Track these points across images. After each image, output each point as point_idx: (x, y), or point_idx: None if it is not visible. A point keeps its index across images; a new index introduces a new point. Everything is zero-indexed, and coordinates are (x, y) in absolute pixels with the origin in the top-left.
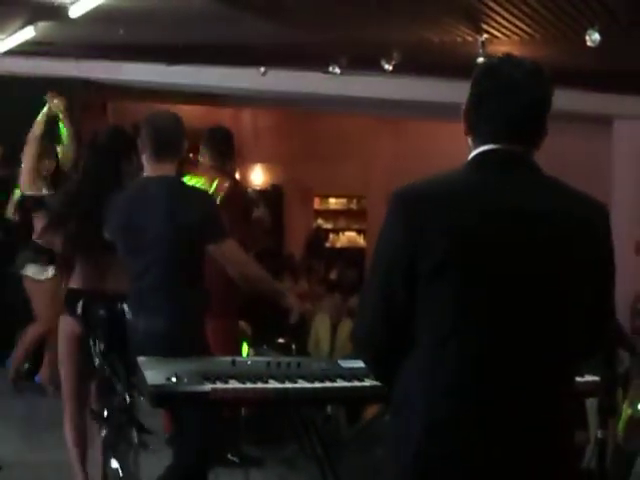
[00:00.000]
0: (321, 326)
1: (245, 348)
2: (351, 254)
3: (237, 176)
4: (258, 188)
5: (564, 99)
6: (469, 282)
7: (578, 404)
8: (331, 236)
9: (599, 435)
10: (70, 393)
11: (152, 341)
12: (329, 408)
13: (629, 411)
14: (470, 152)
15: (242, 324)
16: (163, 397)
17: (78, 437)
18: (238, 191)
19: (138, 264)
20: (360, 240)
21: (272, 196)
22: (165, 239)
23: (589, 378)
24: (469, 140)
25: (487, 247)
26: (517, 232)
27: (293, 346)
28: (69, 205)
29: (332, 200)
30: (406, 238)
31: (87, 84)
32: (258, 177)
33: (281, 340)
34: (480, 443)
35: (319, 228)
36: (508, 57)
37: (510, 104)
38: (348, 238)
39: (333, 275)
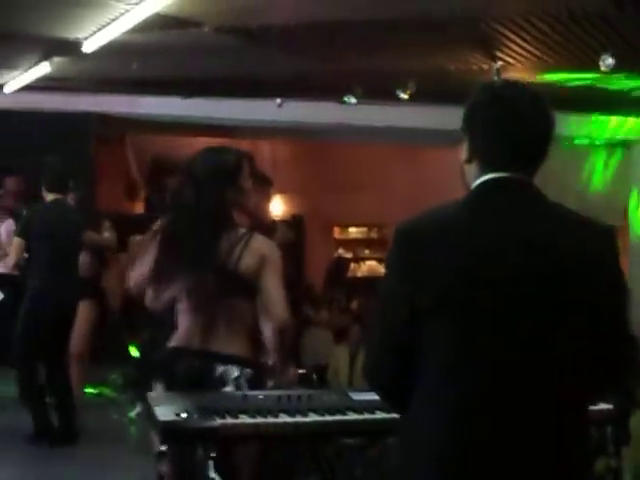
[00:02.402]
0: (340, 356)
1: None
2: (372, 283)
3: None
4: (278, 219)
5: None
6: (469, 317)
7: (599, 431)
8: (352, 265)
9: (613, 464)
10: None
11: None
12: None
13: None
14: (471, 180)
15: None
16: (173, 433)
17: None
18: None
19: None
20: (381, 269)
21: (292, 226)
22: None
23: (603, 406)
24: (472, 167)
25: (487, 281)
26: (520, 263)
27: (314, 377)
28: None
29: (352, 229)
30: (407, 273)
31: (103, 118)
32: (278, 208)
33: (301, 371)
34: (491, 477)
35: (340, 257)
36: (510, 83)
37: (515, 132)
38: (369, 267)
39: (354, 305)
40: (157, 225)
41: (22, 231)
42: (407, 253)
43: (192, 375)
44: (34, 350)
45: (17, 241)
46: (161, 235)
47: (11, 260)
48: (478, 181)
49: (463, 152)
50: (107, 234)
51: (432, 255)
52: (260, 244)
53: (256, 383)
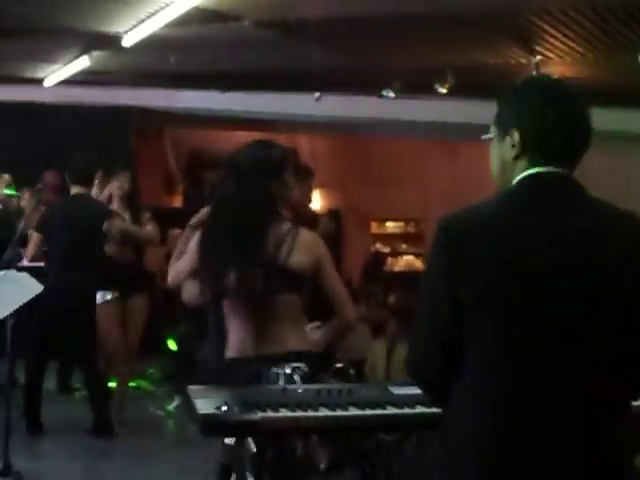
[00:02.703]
0: (377, 351)
1: None
2: (409, 278)
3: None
4: (317, 212)
5: (619, 118)
6: (507, 311)
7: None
8: (389, 260)
9: None
10: None
11: None
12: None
13: None
14: (516, 176)
15: None
16: (213, 426)
17: None
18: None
19: None
20: (418, 264)
21: (332, 219)
22: None
23: None
24: (518, 163)
25: (523, 276)
26: (554, 257)
27: (351, 371)
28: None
29: (390, 224)
30: (449, 268)
31: (142, 112)
32: (316, 202)
33: (339, 365)
34: (530, 471)
35: (378, 252)
36: (550, 79)
37: (568, 127)
38: (406, 262)
39: (391, 300)
40: (195, 219)
41: (40, 226)
42: (449, 248)
43: (251, 384)
44: (44, 343)
45: (35, 236)
46: (203, 229)
47: (28, 254)
48: (519, 176)
49: (506, 147)
50: (149, 227)
51: (474, 249)
52: (309, 239)
53: (310, 376)
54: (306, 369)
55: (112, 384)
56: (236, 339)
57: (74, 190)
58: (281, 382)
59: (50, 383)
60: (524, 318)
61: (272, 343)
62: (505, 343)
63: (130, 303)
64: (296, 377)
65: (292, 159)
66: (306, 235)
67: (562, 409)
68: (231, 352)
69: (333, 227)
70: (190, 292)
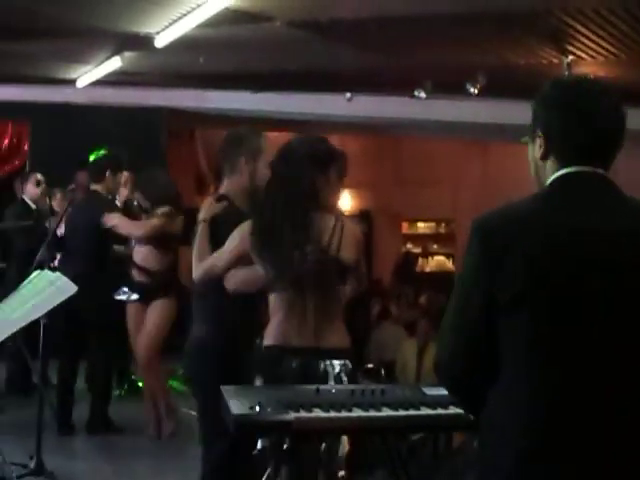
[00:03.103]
0: (408, 351)
1: None
2: (440, 278)
3: None
4: (347, 214)
5: None
6: (550, 312)
7: None
8: (420, 260)
9: None
10: None
11: None
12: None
13: None
14: (548, 176)
15: None
16: (246, 426)
17: None
18: None
19: None
20: (449, 264)
21: (361, 221)
22: None
23: None
24: (547, 163)
25: (565, 274)
26: (601, 257)
27: (382, 371)
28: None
29: (420, 224)
30: (484, 268)
31: (174, 112)
32: (346, 202)
33: (369, 366)
34: (571, 474)
35: (409, 252)
36: (581, 78)
37: (591, 125)
38: (437, 262)
39: (422, 300)
40: (205, 213)
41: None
42: (484, 247)
43: (296, 375)
44: (75, 344)
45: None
46: (257, 219)
47: None
48: (554, 176)
49: (536, 148)
50: (155, 220)
51: (508, 249)
52: (356, 232)
53: (353, 374)
54: (350, 366)
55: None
56: (281, 326)
57: (91, 187)
58: (330, 379)
59: (80, 382)
60: (560, 316)
61: (319, 335)
62: (543, 342)
63: (151, 306)
64: (343, 375)
65: (340, 160)
66: (352, 228)
67: (610, 409)
68: (272, 340)
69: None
70: (240, 280)
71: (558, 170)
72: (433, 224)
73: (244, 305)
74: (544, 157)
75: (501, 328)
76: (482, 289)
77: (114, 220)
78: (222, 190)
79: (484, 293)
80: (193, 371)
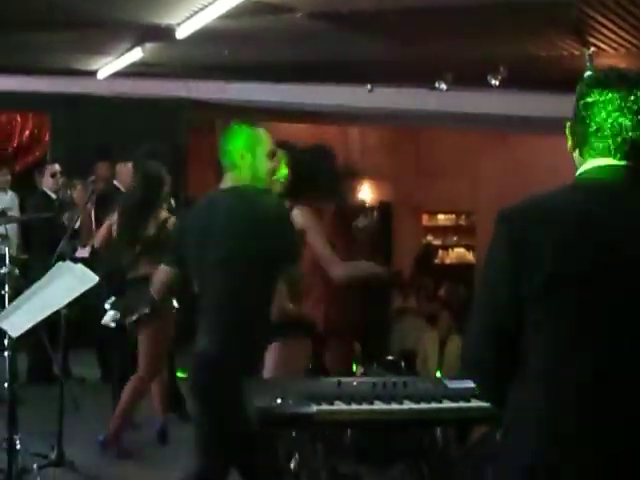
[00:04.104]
0: (429, 343)
1: (354, 367)
2: (460, 270)
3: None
4: (368, 205)
5: None
6: (581, 300)
7: None
8: (440, 252)
9: None
10: None
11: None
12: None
13: None
14: (577, 168)
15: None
16: (269, 419)
17: None
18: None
19: None
20: (469, 256)
21: (381, 213)
22: None
23: None
24: (575, 156)
25: (594, 263)
26: (632, 247)
27: (402, 364)
28: None
29: (441, 216)
30: (511, 258)
31: (194, 104)
32: (366, 194)
33: (390, 358)
34: (596, 464)
35: (429, 244)
36: (614, 70)
37: (621, 118)
38: (457, 254)
39: (442, 292)
40: None
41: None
42: (511, 238)
43: None
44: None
45: None
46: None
47: None
48: (582, 168)
49: (569, 141)
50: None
51: (537, 239)
52: None
53: None
54: None
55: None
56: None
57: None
58: None
59: (96, 373)
60: (590, 304)
61: None
62: (583, 329)
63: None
64: None
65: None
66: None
67: (633, 392)
68: None
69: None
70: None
71: (585, 162)
72: (453, 216)
73: (261, 322)
74: (573, 149)
75: (529, 317)
76: (509, 280)
77: None
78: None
79: (511, 283)
80: (202, 387)
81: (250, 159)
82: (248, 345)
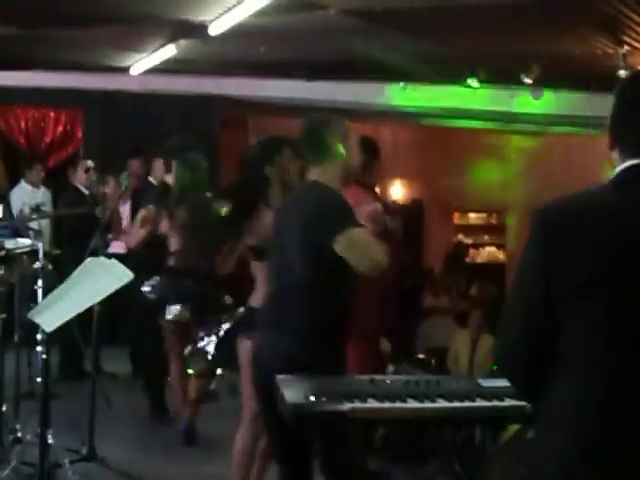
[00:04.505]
0: (460, 342)
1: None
2: (491, 269)
3: (377, 190)
4: (399, 203)
5: None
6: (619, 299)
7: None
8: (471, 251)
9: None
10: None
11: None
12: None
13: None
14: (616, 167)
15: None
16: (302, 416)
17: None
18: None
19: None
20: (500, 255)
21: (412, 211)
22: None
23: None
24: (614, 154)
25: (631, 263)
26: None
27: (432, 362)
28: None
29: (472, 215)
30: (547, 256)
31: (227, 101)
32: (398, 192)
33: (420, 356)
34: (634, 464)
35: (460, 243)
36: None
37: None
38: (488, 253)
39: (473, 291)
40: None
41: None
42: (548, 235)
43: None
44: None
45: None
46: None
47: None
48: (619, 168)
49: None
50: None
51: (574, 238)
52: None
53: None
54: None
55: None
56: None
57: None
58: None
59: (127, 369)
60: (625, 305)
61: None
62: (619, 329)
63: None
64: None
65: None
66: None
67: None
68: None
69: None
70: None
71: (623, 161)
72: (484, 215)
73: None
74: (611, 147)
75: (566, 317)
76: (544, 280)
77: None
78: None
79: (546, 284)
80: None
81: (343, 151)
82: (337, 347)
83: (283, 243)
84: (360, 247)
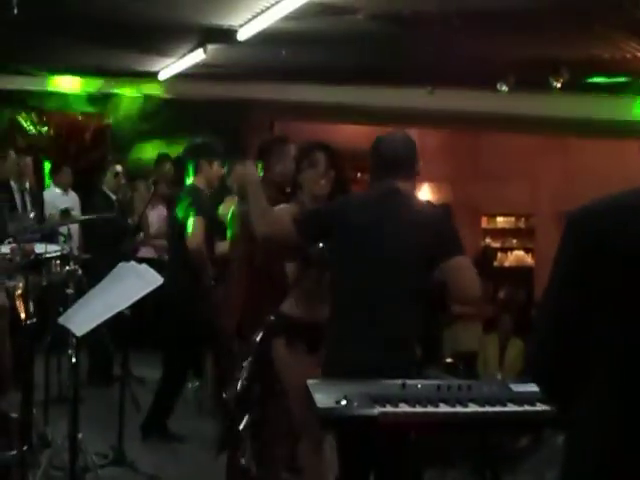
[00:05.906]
0: (490, 346)
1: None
2: (519, 273)
3: None
4: None
5: None
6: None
7: None
8: (499, 255)
9: None
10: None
11: None
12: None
13: None
14: None
15: None
16: (332, 420)
17: None
18: None
19: None
20: (528, 259)
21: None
22: None
23: None
24: None
25: None
26: None
27: (461, 366)
28: None
29: (500, 219)
30: (579, 260)
31: (254, 105)
32: (426, 196)
33: (449, 360)
34: None
35: (488, 247)
36: None
37: None
38: (516, 257)
39: (501, 295)
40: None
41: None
42: (580, 239)
43: None
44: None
45: None
46: None
47: None
48: None
49: None
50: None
51: (606, 243)
52: None
53: None
54: None
55: None
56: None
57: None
58: None
59: (156, 374)
60: None
61: None
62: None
63: None
64: None
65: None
66: None
67: None
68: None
69: None
70: None
71: None
72: (512, 219)
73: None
74: None
75: (598, 325)
76: (578, 287)
77: None
78: None
79: (580, 291)
80: None
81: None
82: (409, 362)
83: (380, 255)
84: (470, 274)
